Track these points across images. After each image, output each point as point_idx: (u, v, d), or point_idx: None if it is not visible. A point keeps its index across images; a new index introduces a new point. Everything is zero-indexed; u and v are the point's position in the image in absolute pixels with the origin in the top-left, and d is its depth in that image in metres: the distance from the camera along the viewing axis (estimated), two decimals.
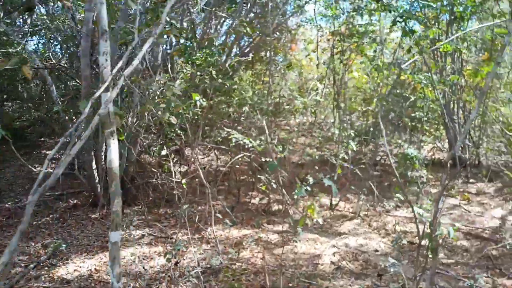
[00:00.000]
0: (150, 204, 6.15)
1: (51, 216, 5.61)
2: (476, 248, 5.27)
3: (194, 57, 4.44)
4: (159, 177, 5.78)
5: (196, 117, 4.37)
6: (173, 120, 3.56)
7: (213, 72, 4.69)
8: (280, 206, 6.30)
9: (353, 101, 13.17)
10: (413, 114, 7.59)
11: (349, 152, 6.82)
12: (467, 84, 8.87)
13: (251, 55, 13.60)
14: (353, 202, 7.00)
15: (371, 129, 7.68)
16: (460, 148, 9.41)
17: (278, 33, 11.36)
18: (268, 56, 11.08)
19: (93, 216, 5.61)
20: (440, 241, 3.45)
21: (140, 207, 6.02)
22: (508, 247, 5.23)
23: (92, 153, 5.51)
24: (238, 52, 13.03)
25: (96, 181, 5.68)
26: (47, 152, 8.68)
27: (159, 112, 3.54)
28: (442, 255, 4.96)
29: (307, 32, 13.46)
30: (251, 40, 12.63)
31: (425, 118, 7.74)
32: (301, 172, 7.89)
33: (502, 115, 9.31)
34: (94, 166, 5.61)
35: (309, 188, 4.89)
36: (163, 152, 4.55)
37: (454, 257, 4.98)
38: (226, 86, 5.77)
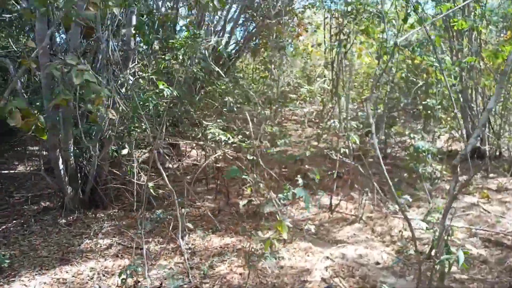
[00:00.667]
0: (128, 207, 5.55)
1: (14, 221, 5.06)
2: (497, 259, 4.52)
3: (150, 39, 3.76)
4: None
5: (161, 109, 3.74)
6: (112, 115, 2.92)
7: (180, 57, 4.02)
8: (273, 208, 5.61)
9: (365, 88, 12.34)
10: (424, 102, 6.77)
11: (351, 145, 6.07)
12: (486, 67, 7.97)
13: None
14: (357, 201, 6.27)
15: (373, 119, 6.88)
16: (479, 139, 8.57)
17: (284, 16, 10.63)
18: (272, 42, 10.38)
19: (61, 221, 5.04)
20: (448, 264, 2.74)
21: (116, 210, 5.44)
22: None
23: (58, 151, 4.91)
24: (242, 38, 12.32)
25: (65, 181, 5.10)
26: (32, 148, 8.18)
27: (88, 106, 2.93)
28: (455, 269, 4.23)
29: (314, 16, 12.72)
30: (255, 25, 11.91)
31: (439, 106, 6.91)
32: (300, 168, 7.18)
33: None
34: (61, 165, 5.02)
35: (300, 191, 4.23)
36: (124, 152, 3.92)
37: (470, 270, 4.24)
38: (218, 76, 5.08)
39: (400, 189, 7.11)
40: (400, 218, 5.67)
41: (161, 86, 3.64)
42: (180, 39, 4.98)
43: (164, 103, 3.79)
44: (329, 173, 6.43)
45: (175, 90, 3.87)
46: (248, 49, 13.37)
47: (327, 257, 4.34)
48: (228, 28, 11.27)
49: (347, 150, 6.11)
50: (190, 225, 4.11)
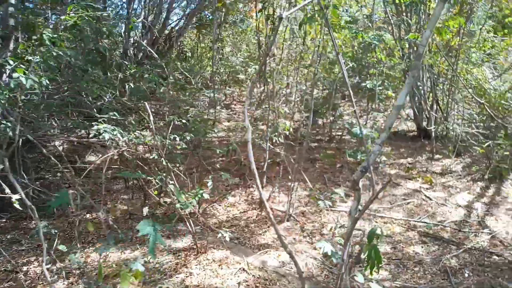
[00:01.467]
0: (23, 215, 4.74)
1: None
2: (433, 257, 4.10)
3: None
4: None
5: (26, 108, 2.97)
6: None
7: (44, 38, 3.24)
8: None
9: (321, 67, 11.83)
10: (364, 84, 6.25)
11: (283, 133, 5.49)
12: (434, 43, 7.53)
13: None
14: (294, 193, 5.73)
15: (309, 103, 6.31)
16: (426, 118, 8.23)
17: None
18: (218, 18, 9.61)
19: None
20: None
21: (5, 220, 4.63)
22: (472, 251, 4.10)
23: None
24: (187, 14, 11.44)
25: None
26: None
27: None
28: (385, 274, 3.77)
29: None
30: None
31: (380, 87, 6.42)
32: (235, 158, 6.56)
33: (474, 78, 8.06)
34: None
35: (206, 195, 3.64)
36: None
37: (401, 274, 3.79)
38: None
39: (341, 176, 6.67)
40: (337, 211, 5.20)
41: (15, 75, 2.85)
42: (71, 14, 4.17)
43: (23, 96, 3.01)
44: (261, 163, 5.86)
45: (45, 77, 3.09)
46: (192, 26, 12.49)
47: (243, 269, 3.76)
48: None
49: (279, 139, 5.53)
50: (63, 247, 3.38)
